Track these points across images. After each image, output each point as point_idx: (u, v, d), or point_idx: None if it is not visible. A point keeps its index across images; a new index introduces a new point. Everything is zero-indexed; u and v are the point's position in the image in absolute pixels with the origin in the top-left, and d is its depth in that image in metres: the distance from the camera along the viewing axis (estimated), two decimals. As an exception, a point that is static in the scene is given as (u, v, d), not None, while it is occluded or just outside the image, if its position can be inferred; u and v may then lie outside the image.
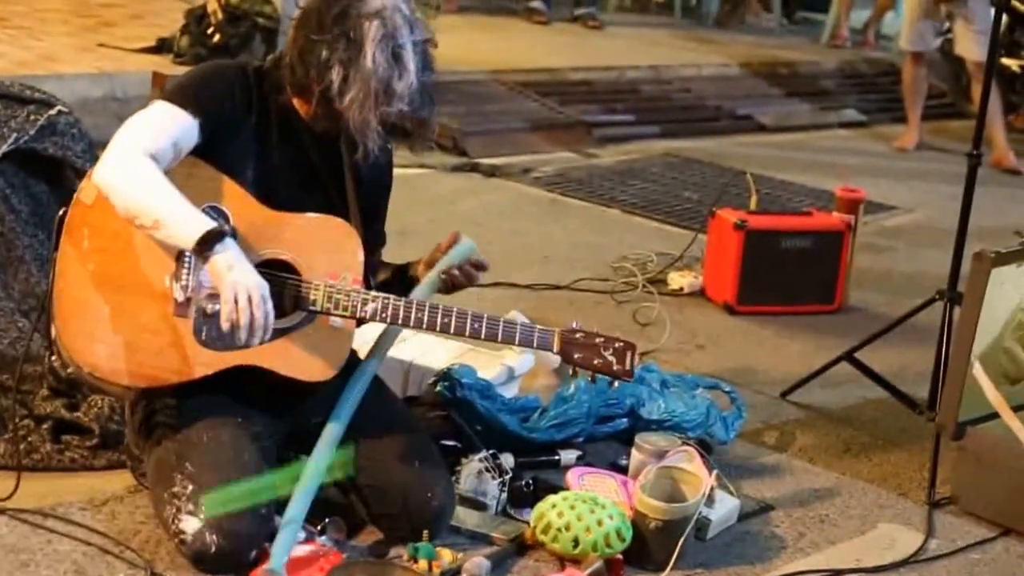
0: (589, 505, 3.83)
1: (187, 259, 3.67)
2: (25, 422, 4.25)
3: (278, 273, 3.71)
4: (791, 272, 6.31)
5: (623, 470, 4.34)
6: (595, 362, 3.82)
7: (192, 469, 3.65)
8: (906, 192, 9.08)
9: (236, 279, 3.53)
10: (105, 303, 3.73)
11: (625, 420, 4.63)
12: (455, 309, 3.78)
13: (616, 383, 3.91)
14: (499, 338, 3.80)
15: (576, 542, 3.78)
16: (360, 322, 3.81)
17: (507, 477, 4.10)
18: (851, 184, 6.86)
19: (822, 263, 6.38)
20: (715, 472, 4.09)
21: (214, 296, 3.63)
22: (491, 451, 4.15)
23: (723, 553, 4.05)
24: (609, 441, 4.63)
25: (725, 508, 4.17)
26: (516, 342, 3.83)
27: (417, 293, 3.91)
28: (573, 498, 3.88)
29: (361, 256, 3.78)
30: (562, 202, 8.06)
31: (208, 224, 3.55)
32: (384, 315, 3.74)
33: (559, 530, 3.80)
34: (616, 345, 3.84)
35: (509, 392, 4.68)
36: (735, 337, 6.01)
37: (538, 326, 3.85)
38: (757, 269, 6.25)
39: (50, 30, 9.10)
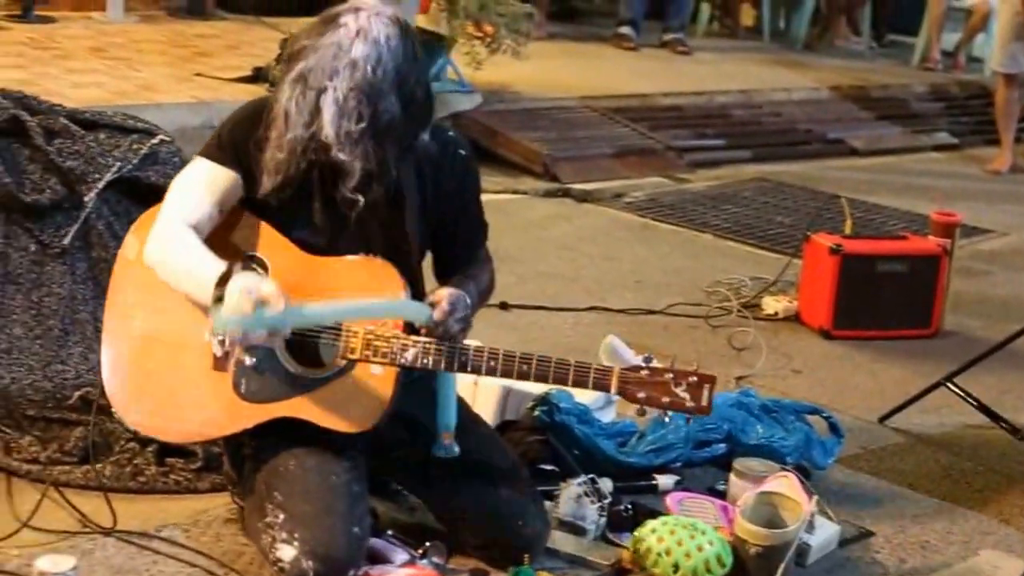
0: (689, 530, 3.83)
1: None
2: (130, 445, 4.30)
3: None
4: (887, 296, 6.28)
5: (721, 495, 4.34)
6: (664, 400, 3.64)
7: (281, 498, 3.66)
8: (1000, 215, 9.01)
9: (240, 284, 3.50)
10: (148, 358, 3.77)
11: (723, 445, 4.63)
12: (502, 351, 3.65)
13: (691, 419, 3.80)
14: (550, 379, 3.66)
15: (676, 567, 3.77)
16: (402, 368, 3.67)
17: (606, 502, 4.10)
18: (944, 208, 6.81)
19: (918, 287, 6.34)
20: (815, 498, 4.07)
21: (251, 349, 3.67)
22: (590, 476, 4.15)
23: (824, 579, 4.04)
24: (707, 466, 4.62)
25: (825, 534, 4.15)
26: (569, 383, 3.67)
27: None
28: (673, 523, 3.88)
29: (403, 297, 3.66)
30: (654, 227, 8.07)
31: (221, 268, 3.56)
32: (425, 360, 3.63)
33: (659, 555, 3.80)
34: (690, 380, 3.65)
35: (606, 417, 4.69)
36: (831, 362, 5.98)
37: (594, 365, 3.68)
38: (853, 294, 6.23)
39: (148, 60, 9.22)
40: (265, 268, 3.69)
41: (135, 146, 4.90)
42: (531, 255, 7.08)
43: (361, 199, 3.58)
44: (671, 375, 3.65)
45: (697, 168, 9.78)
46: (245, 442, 3.83)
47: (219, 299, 3.50)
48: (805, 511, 3.93)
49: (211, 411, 3.72)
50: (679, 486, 4.43)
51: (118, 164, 4.83)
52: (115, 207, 4.90)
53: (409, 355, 3.62)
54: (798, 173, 9.84)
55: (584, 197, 8.54)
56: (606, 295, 6.52)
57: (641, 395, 3.63)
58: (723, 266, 7.22)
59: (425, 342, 3.63)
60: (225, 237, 3.72)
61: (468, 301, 3.72)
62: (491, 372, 3.65)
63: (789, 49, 13.87)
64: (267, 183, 3.59)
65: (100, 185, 4.81)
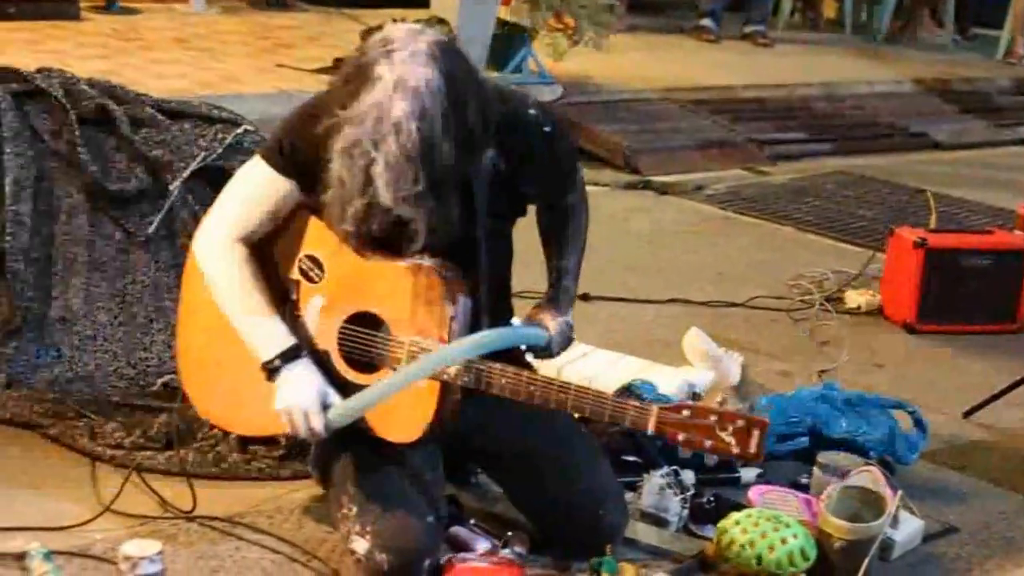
0: (773, 523, 3.80)
1: (284, 313, 3.73)
2: (213, 432, 4.33)
3: (364, 331, 3.68)
4: (972, 291, 6.21)
5: (804, 489, 4.31)
6: (707, 444, 3.46)
7: (354, 490, 3.67)
8: (1086, 210, 8.89)
9: (286, 399, 3.62)
10: (216, 351, 3.81)
11: (806, 439, 4.60)
12: (541, 377, 3.60)
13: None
14: (587, 411, 3.56)
15: (759, 559, 3.75)
16: (444, 384, 3.61)
17: (688, 494, 4.09)
18: (1029, 202, 6.74)
19: (1003, 282, 6.27)
20: (899, 492, 4.03)
21: (311, 351, 3.69)
22: (672, 467, 4.14)
23: (908, 574, 3.99)
24: (790, 460, 4.59)
25: (909, 529, 4.12)
26: (605, 418, 3.54)
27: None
28: (757, 515, 3.85)
29: (448, 311, 3.57)
30: (735, 219, 8.03)
31: (270, 354, 3.63)
32: (466, 378, 3.57)
33: (742, 547, 3.77)
34: (737, 424, 3.44)
35: (689, 409, 4.65)
36: (915, 357, 5.93)
37: (632, 403, 3.55)
38: (937, 288, 6.17)
39: (230, 51, 9.28)
40: (321, 269, 3.70)
41: (220, 135, 4.93)
42: (612, 247, 7.05)
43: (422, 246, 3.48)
44: (715, 417, 3.46)
45: (778, 161, 9.72)
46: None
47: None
48: (889, 506, 3.90)
49: (269, 407, 3.72)
50: (761, 479, 4.40)
51: (203, 153, 4.86)
52: (200, 196, 4.92)
53: (452, 371, 3.58)
54: (880, 167, 9.76)
55: (665, 189, 8.51)
56: (687, 287, 6.49)
57: (681, 436, 3.47)
58: (805, 259, 7.17)
59: (467, 360, 3.59)
60: (283, 233, 3.74)
61: (569, 324, 3.83)
62: (528, 398, 3.58)
63: (871, 42, 13.76)
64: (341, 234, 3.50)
65: (185, 174, 4.84)
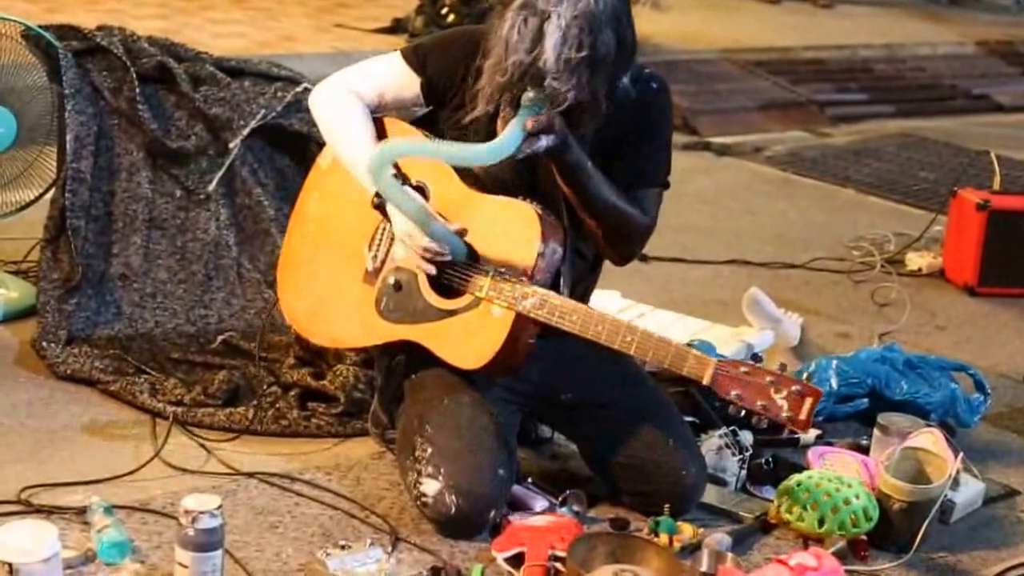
0: (835, 484, 3.78)
1: (381, 230, 3.81)
2: (272, 389, 4.35)
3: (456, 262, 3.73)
4: (1035, 254, 6.16)
5: (864, 450, 4.28)
6: (758, 403, 3.44)
7: (432, 431, 3.69)
8: None
9: (398, 232, 3.69)
10: (314, 262, 3.93)
11: (866, 400, 4.58)
12: (610, 318, 3.60)
13: (787, 431, 3.59)
14: (648, 355, 3.56)
15: (822, 521, 3.73)
16: (521, 315, 3.64)
17: (747, 454, 4.07)
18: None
19: (1067, 244, 6.21)
20: (960, 455, 3.99)
21: (399, 270, 3.76)
22: (731, 428, 4.12)
23: (968, 537, 3.97)
24: (849, 421, 4.58)
25: (970, 491, 4.09)
26: (666, 363, 3.53)
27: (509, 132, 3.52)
28: (818, 476, 3.83)
29: (537, 247, 3.62)
30: (795, 181, 7.98)
31: None
32: (540, 312, 3.61)
33: (804, 508, 3.76)
34: (792, 388, 3.43)
35: (748, 369, 4.63)
36: (976, 319, 5.88)
37: (694, 351, 3.56)
38: (1000, 250, 6.11)
39: (288, 11, 9.29)
40: (425, 195, 3.73)
41: (279, 94, 4.93)
42: (670, 208, 6.86)
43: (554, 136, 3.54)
44: (771, 379, 3.46)
45: (839, 122, 9.66)
46: (407, 378, 3.87)
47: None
48: (950, 468, 3.87)
49: (352, 321, 3.84)
50: (821, 440, 4.38)
51: (263, 111, 4.87)
52: (259, 154, 4.94)
53: (528, 303, 3.62)
54: (942, 129, 9.67)
55: (724, 150, 8.47)
56: (746, 249, 6.46)
57: (734, 392, 3.47)
58: (865, 221, 7.12)
59: (544, 294, 3.62)
60: None
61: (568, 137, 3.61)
62: (596, 336, 3.60)
63: (934, 3, 13.66)
64: (481, 108, 3.59)
65: (245, 132, 4.85)
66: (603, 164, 3.70)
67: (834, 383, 4.55)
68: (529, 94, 3.48)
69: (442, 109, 3.81)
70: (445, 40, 3.89)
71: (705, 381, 3.50)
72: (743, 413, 3.48)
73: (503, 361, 3.69)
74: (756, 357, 3.49)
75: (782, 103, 9.71)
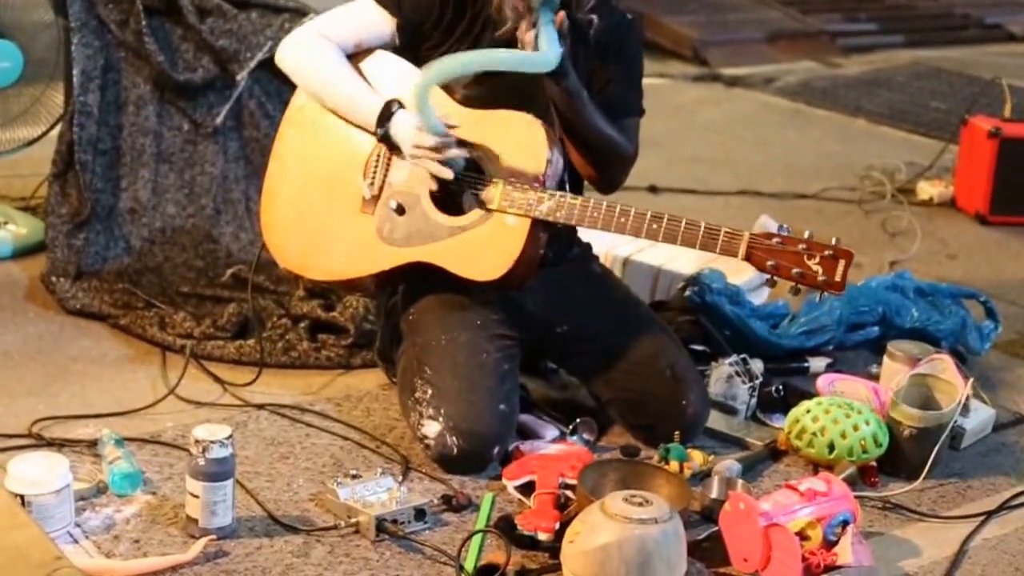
0: (844, 410, 3.78)
1: (375, 158, 3.77)
2: (282, 321, 4.35)
3: (463, 173, 3.70)
4: (1046, 182, 6.14)
5: (874, 378, 4.28)
6: (794, 271, 3.46)
7: (430, 372, 3.69)
8: None
9: (403, 139, 3.65)
10: (303, 198, 3.86)
11: (876, 328, 4.57)
12: (633, 210, 3.57)
13: (822, 295, 3.52)
14: (678, 240, 3.52)
15: (831, 447, 3.73)
16: (536, 222, 3.64)
17: (757, 382, 4.07)
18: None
19: (1079, 171, 6.18)
20: (970, 381, 3.98)
21: (399, 194, 3.73)
22: (741, 356, 4.12)
23: (978, 463, 3.96)
24: (860, 349, 4.57)
25: (980, 418, 4.09)
26: (697, 246, 3.51)
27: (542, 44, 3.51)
28: (828, 403, 3.83)
29: (546, 153, 3.61)
30: (806, 112, 7.96)
31: (382, 100, 3.67)
32: (559, 214, 3.59)
33: (814, 435, 3.76)
34: (825, 253, 3.45)
35: (759, 299, 4.64)
36: (988, 248, 5.87)
37: (724, 228, 3.52)
38: (1011, 178, 6.08)
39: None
40: None
41: (287, 25, 4.89)
42: (679, 139, 7.01)
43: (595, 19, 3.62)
44: (804, 246, 3.47)
45: (850, 53, 9.63)
46: (403, 318, 3.86)
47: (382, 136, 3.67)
48: (960, 394, 3.86)
49: (354, 250, 3.80)
50: (831, 369, 4.38)
51: (270, 43, 4.83)
52: (266, 86, 4.92)
53: (544, 207, 3.61)
54: (954, 58, 9.64)
55: (734, 81, 8.45)
56: (757, 180, 6.45)
57: (770, 263, 3.47)
58: (877, 151, 7.10)
59: (559, 195, 3.61)
60: (380, 82, 3.77)
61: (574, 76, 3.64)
62: (620, 229, 3.57)
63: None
64: (510, 22, 3.56)
65: (252, 64, 4.82)
66: (590, 90, 3.71)
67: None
68: None
69: (419, 48, 3.76)
70: None
71: (740, 257, 3.49)
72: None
73: (520, 271, 3.67)
74: (782, 227, 3.49)
75: (792, 33, 9.67)
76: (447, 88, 3.71)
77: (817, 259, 3.45)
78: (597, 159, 3.79)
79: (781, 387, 4.12)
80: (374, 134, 3.71)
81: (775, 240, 3.48)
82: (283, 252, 3.93)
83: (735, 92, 8.29)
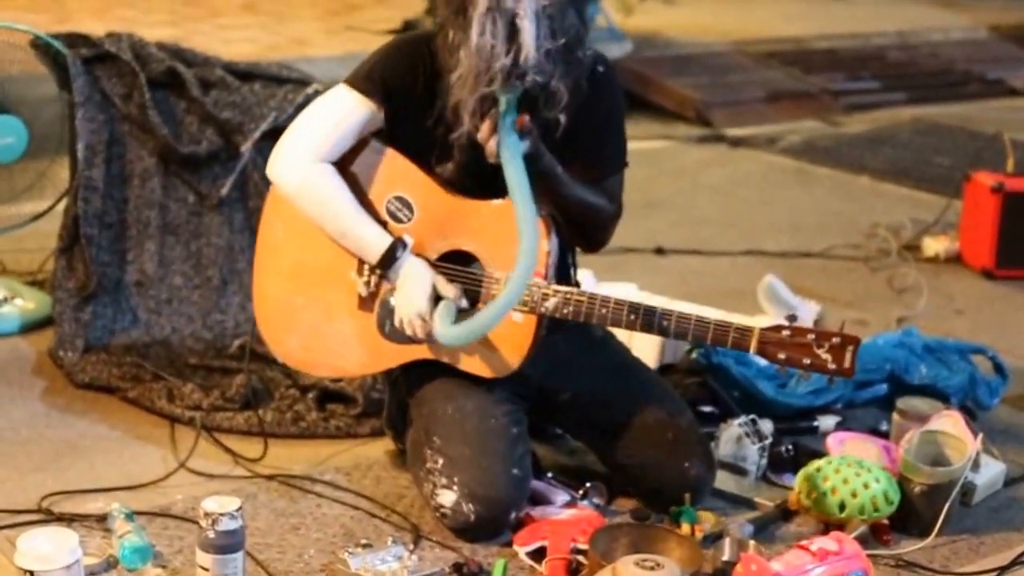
0: (855, 468, 3.77)
1: None
2: (291, 391, 4.35)
3: (458, 268, 3.67)
4: (1050, 235, 6.14)
5: (884, 436, 4.27)
6: (805, 361, 3.51)
7: (440, 442, 3.68)
8: None
9: (401, 305, 3.63)
10: (296, 295, 3.80)
11: (885, 386, 4.56)
12: (643, 306, 3.57)
13: (832, 380, 3.57)
14: (689, 336, 3.55)
15: (843, 506, 3.72)
16: (542, 317, 3.61)
17: (767, 442, 4.06)
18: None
19: (1083, 225, 6.18)
20: (980, 436, 3.98)
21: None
22: (750, 416, 4.11)
23: (990, 518, 3.95)
24: (869, 407, 4.56)
25: (991, 473, 4.07)
26: (708, 341, 3.55)
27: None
28: (838, 462, 3.82)
29: (544, 245, 3.56)
30: (809, 171, 7.96)
31: (382, 246, 3.63)
32: (565, 311, 3.57)
33: (824, 494, 3.75)
34: (833, 341, 3.50)
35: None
36: (994, 302, 5.86)
37: (735, 324, 3.57)
38: (1016, 232, 6.08)
39: (298, 14, 9.29)
40: (411, 209, 3.69)
41: (290, 96, 4.92)
42: (685, 201, 7.03)
43: (563, 119, 3.53)
44: (813, 336, 3.52)
45: (853, 111, 9.65)
46: (409, 390, 3.84)
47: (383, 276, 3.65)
48: (970, 450, 3.85)
49: (356, 349, 3.76)
50: (840, 427, 4.37)
51: (273, 114, 4.86)
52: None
53: (550, 304, 3.58)
54: (957, 114, 9.65)
55: (738, 142, 8.47)
56: (762, 239, 6.46)
57: (782, 356, 3.52)
58: (881, 208, 7.11)
59: (566, 292, 3.58)
60: (366, 172, 3.72)
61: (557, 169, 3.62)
62: (631, 326, 3.58)
63: (946, -12, 13.62)
64: (466, 123, 3.49)
65: (256, 135, 4.84)
66: (566, 155, 3.65)
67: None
68: (503, 97, 3.43)
69: (406, 125, 3.68)
70: (392, 57, 3.69)
71: (752, 351, 3.52)
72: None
73: (528, 362, 3.66)
74: (792, 317, 3.52)
75: (795, 93, 9.70)
76: (430, 173, 3.67)
77: (826, 347, 3.51)
78: (579, 225, 3.76)
79: (791, 447, 4.11)
80: (372, 269, 3.69)
81: (785, 332, 3.53)
82: (282, 349, 3.89)
83: (739, 152, 8.31)
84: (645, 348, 4.46)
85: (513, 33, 3.38)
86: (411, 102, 3.63)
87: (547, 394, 3.86)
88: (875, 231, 6.59)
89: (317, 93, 4.93)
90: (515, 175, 3.43)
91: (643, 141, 8.23)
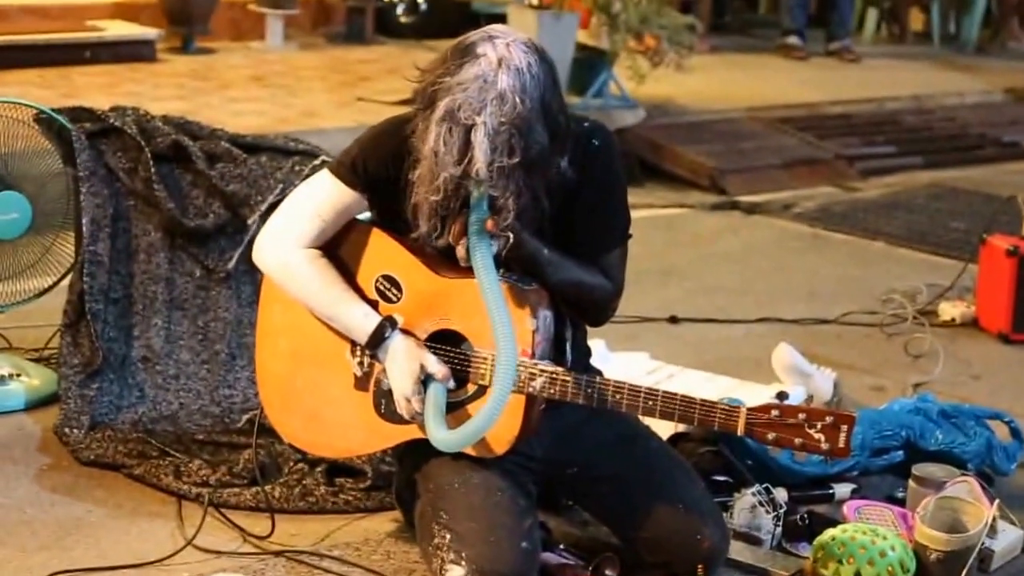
0: (870, 536, 3.73)
1: None
2: (299, 466, 4.31)
3: (446, 348, 3.63)
4: (1068, 298, 6.08)
5: (900, 503, 4.22)
6: (796, 442, 3.44)
7: (447, 517, 3.62)
8: None
9: (393, 387, 3.61)
10: (296, 376, 3.79)
11: (901, 452, 4.52)
12: (627, 385, 3.53)
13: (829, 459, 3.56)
14: (675, 418, 3.51)
15: (858, 575, 3.67)
16: (531, 397, 3.56)
17: (781, 511, 4.02)
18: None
19: (1100, 289, 6.12)
20: (996, 502, 3.94)
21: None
22: (764, 485, 4.06)
23: (1009, 585, 3.91)
24: (884, 474, 4.51)
25: (1008, 539, 4.03)
26: (695, 422, 3.51)
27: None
28: (853, 530, 3.78)
29: (530, 324, 3.52)
30: (825, 237, 7.93)
31: (370, 326, 3.61)
32: (552, 390, 3.52)
33: (840, 562, 3.70)
34: (825, 420, 3.43)
35: (780, 426, 4.58)
36: (1011, 366, 5.82)
37: (720, 405, 3.51)
38: (1032, 296, 6.05)
39: (309, 87, 9.29)
40: (399, 289, 3.66)
41: (297, 167, 4.90)
42: (699, 269, 6.99)
43: (511, 236, 3.42)
44: (804, 415, 3.46)
45: (868, 176, 9.61)
46: (415, 464, 3.78)
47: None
48: (987, 515, 3.80)
49: (354, 429, 3.74)
50: (856, 494, 4.32)
51: (280, 186, 4.84)
52: (278, 230, 4.90)
53: (537, 384, 3.54)
54: (973, 178, 9.62)
55: (752, 209, 8.43)
56: (777, 306, 6.41)
57: (771, 436, 3.46)
58: (897, 274, 7.06)
59: (552, 372, 3.54)
60: (354, 252, 3.71)
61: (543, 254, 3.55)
62: (616, 406, 3.54)
63: (960, 52, 13.60)
64: (424, 226, 3.46)
65: (263, 208, 4.81)
66: (562, 231, 3.61)
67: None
68: (473, 194, 3.37)
69: (391, 207, 3.62)
70: (375, 146, 3.65)
71: (739, 432, 3.47)
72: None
73: (523, 439, 3.62)
74: (782, 395, 3.47)
75: (810, 159, 9.67)
76: (417, 250, 3.62)
77: (818, 427, 3.44)
78: (575, 307, 3.71)
79: (806, 515, 4.07)
80: (363, 350, 3.67)
81: (774, 412, 3.46)
82: (286, 430, 3.88)
83: (754, 219, 8.27)
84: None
85: (466, 145, 3.29)
86: (394, 188, 3.57)
87: (554, 467, 3.81)
88: (890, 297, 6.54)
89: (324, 164, 4.91)
90: (485, 279, 3.39)
91: (657, 209, 8.22)
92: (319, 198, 3.69)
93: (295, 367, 3.79)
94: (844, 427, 3.41)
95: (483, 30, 3.40)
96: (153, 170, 4.74)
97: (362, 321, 3.64)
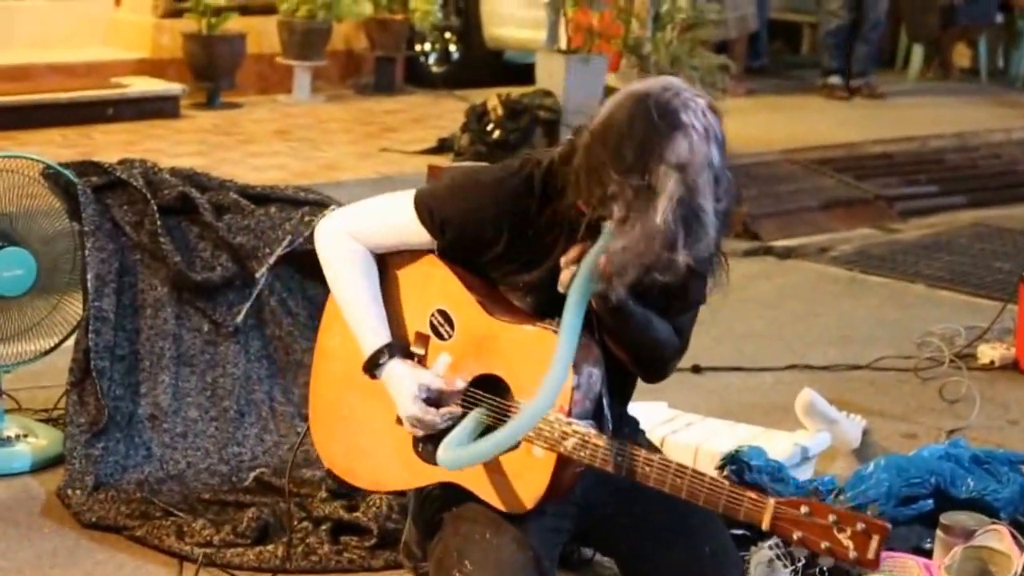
0: (889, 589, 3.59)
1: None
2: (303, 524, 4.21)
3: (483, 394, 3.50)
4: (1110, 339, 5.92)
5: (927, 554, 4.07)
6: (822, 545, 3.19)
7: (471, 568, 3.48)
8: None
9: (398, 411, 3.51)
10: (344, 403, 3.69)
11: (930, 501, 4.36)
12: (657, 459, 3.35)
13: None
14: (700, 500, 3.30)
15: (876, 629, 3.53)
16: (563, 457, 3.40)
17: (800, 564, 3.90)
18: None
19: None
20: (1027, 551, 3.79)
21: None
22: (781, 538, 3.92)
23: (1040, 639, 3.74)
24: (912, 524, 4.34)
25: (1040, 590, 3.87)
26: (720, 508, 3.28)
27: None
28: (873, 582, 3.64)
29: (571, 380, 3.35)
30: (862, 280, 7.78)
31: (374, 346, 3.50)
32: (582, 453, 3.36)
33: (858, 617, 3.56)
34: (857, 527, 3.17)
35: (804, 474, 4.47)
36: (1051, 410, 5.66)
37: (749, 494, 3.28)
38: (1073, 337, 5.89)
39: (333, 139, 9.20)
40: (451, 326, 3.53)
41: (306, 218, 4.80)
42: (728, 316, 6.81)
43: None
44: (834, 517, 3.19)
45: (909, 217, 9.44)
46: (445, 507, 3.62)
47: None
48: (1016, 565, 3.65)
49: (392, 464, 3.62)
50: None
51: (289, 237, 4.75)
52: (287, 282, 4.83)
53: (568, 444, 3.38)
54: (1019, 217, 9.45)
55: (787, 254, 8.27)
56: (808, 352, 6.27)
57: (797, 535, 3.21)
58: (936, 316, 6.89)
59: (584, 434, 3.39)
60: (414, 282, 3.59)
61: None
62: (644, 479, 3.36)
63: (1009, 88, 13.40)
64: (618, 291, 3.26)
65: (271, 260, 4.73)
66: (647, 291, 3.38)
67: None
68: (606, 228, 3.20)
69: (472, 262, 3.51)
70: (463, 200, 3.48)
71: (764, 526, 3.25)
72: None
73: (551, 498, 3.48)
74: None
75: (847, 201, 9.51)
76: (473, 286, 3.49)
77: (848, 533, 3.17)
78: (637, 361, 3.55)
79: (826, 569, 3.92)
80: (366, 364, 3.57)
81: (803, 509, 3.22)
82: (328, 454, 3.76)
83: (788, 264, 8.12)
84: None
85: (690, 227, 3.08)
86: (481, 248, 3.46)
87: (588, 509, 3.65)
88: (927, 340, 6.37)
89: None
90: (572, 313, 3.24)
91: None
92: (393, 217, 3.53)
93: (343, 393, 3.69)
94: (876, 536, 3.15)
95: (663, 86, 3.17)
96: (159, 223, 4.66)
97: (371, 340, 3.53)
